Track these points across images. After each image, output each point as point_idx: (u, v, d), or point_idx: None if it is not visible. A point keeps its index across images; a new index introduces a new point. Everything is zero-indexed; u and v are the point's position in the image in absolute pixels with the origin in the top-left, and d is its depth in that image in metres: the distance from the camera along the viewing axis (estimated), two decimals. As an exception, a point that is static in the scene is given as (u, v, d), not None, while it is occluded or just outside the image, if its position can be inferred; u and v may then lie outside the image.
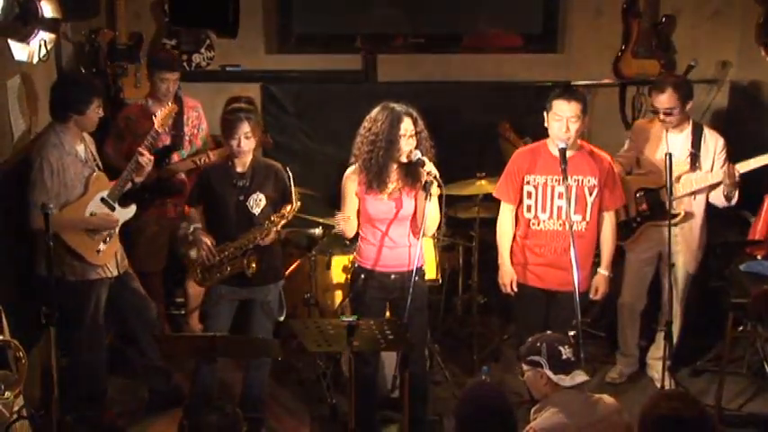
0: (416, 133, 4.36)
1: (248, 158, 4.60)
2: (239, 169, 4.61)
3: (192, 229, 4.68)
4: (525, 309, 4.77)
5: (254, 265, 4.56)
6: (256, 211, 4.59)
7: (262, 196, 4.60)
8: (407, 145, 4.35)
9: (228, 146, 4.56)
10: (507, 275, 4.72)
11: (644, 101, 6.22)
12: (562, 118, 4.46)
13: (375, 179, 4.41)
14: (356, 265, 4.61)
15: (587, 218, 4.59)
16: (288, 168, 4.64)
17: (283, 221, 4.53)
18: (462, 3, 6.37)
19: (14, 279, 4.60)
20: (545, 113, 4.55)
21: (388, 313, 4.64)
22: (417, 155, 4.33)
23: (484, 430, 3.18)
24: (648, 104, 6.02)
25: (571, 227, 4.39)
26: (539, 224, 4.62)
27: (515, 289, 4.72)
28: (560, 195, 4.53)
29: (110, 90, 5.82)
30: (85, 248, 4.66)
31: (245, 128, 4.51)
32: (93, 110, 4.63)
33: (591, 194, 4.57)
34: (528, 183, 4.62)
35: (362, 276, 4.57)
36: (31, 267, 4.63)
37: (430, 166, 4.31)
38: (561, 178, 4.46)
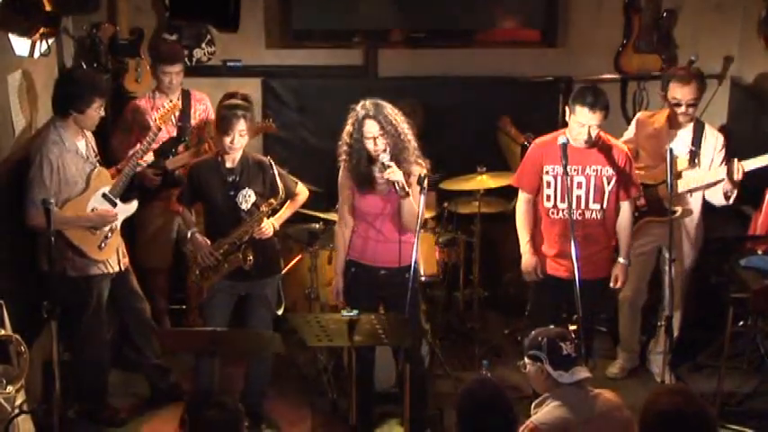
0: (384, 133, 4.33)
1: (238, 154, 4.60)
2: (228, 165, 4.61)
3: (189, 235, 4.71)
4: (541, 296, 4.82)
5: (250, 258, 4.58)
6: (245, 206, 4.61)
7: (251, 192, 4.60)
8: (376, 146, 4.34)
9: (222, 141, 4.56)
10: (530, 263, 4.75)
11: (645, 96, 6.23)
12: (584, 125, 4.48)
13: (356, 180, 4.47)
14: (348, 258, 4.62)
15: (605, 206, 4.64)
16: (270, 157, 4.65)
17: (272, 211, 4.58)
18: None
19: (16, 274, 4.60)
20: (567, 109, 4.58)
21: (381, 310, 4.64)
22: (384, 158, 4.31)
23: (483, 425, 3.18)
24: (650, 98, 6.05)
25: (572, 220, 4.42)
26: (558, 213, 4.66)
27: (540, 275, 4.74)
28: (579, 185, 4.59)
29: (110, 85, 5.82)
30: (87, 244, 4.66)
31: (241, 125, 4.52)
32: (95, 109, 4.61)
33: (609, 184, 4.62)
34: (547, 173, 4.65)
35: (353, 269, 4.59)
36: (32, 263, 4.64)
37: (391, 171, 4.27)
38: (579, 168, 4.55)
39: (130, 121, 5.41)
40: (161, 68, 5.39)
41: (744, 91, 6.05)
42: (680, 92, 4.95)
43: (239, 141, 4.54)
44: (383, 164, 4.32)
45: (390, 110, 4.40)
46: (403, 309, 4.25)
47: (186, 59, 6.08)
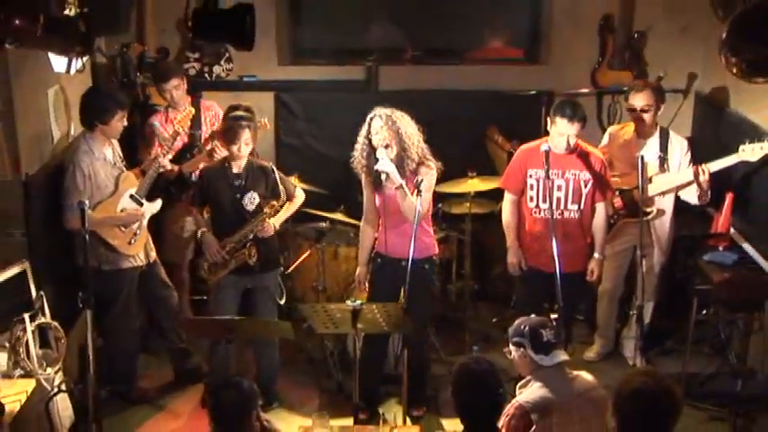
0: (387, 130, 4.36)
1: (244, 161, 4.63)
2: (235, 170, 4.64)
3: (200, 234, 4.73)
4: (525, 288, 4.86)
5: (254, 254, 4.60)
6: (250, 208, 4.63)
7: (255, 195, 4.63)
8: (379, 142, 4.38)
9: (229, 150, 4.60)
10: (515, 256, 4.78)
11: (619, 108, 6.25)
12: (564, 135, 4.50)
13: (370, 176, 4.49)
14: (375, 251, 4.65)
15: (582, 207, 4.67)
16: (273, 165, 4.69)
17: (274, 212, 4.60)
18: (457, 20, 6.39)
19: (55, 269, 4.63)
20: (549, 120, 4.60)
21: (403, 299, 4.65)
22: (381, 153, 4.35)
23: (476, 398, 3.21)
24: (623, 110, 6.06)
25: (552, 218, 4.46)
26: (540, 213, 4.68)
27: (523, 268, 4.77)
28: (559, 188, 4.61)
29: (139, 99, 5.85)
30: (119, 241, 4.71)
31: (246, 135, 4.55)
32: (118, 120, 4.65)
33: (586, 187, 4.64)
34: (530, 176, 4.67)
35: (379, 261, 4.63)
36: (70, 258, 4.66)
37: (381, 164, 4.31)
38: (559, 172, 4.57)
39: (149, 133, 5.43)
40: (159, 87, 5.39)
41: (706, 104, 6.07)
42: (633, 98, 5.00)
43: (245, 149, 4.57)
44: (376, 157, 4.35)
45: (399, 114, 4.43)
46: (421, 296, 4.27)
47: (207, 75, 6.13)
